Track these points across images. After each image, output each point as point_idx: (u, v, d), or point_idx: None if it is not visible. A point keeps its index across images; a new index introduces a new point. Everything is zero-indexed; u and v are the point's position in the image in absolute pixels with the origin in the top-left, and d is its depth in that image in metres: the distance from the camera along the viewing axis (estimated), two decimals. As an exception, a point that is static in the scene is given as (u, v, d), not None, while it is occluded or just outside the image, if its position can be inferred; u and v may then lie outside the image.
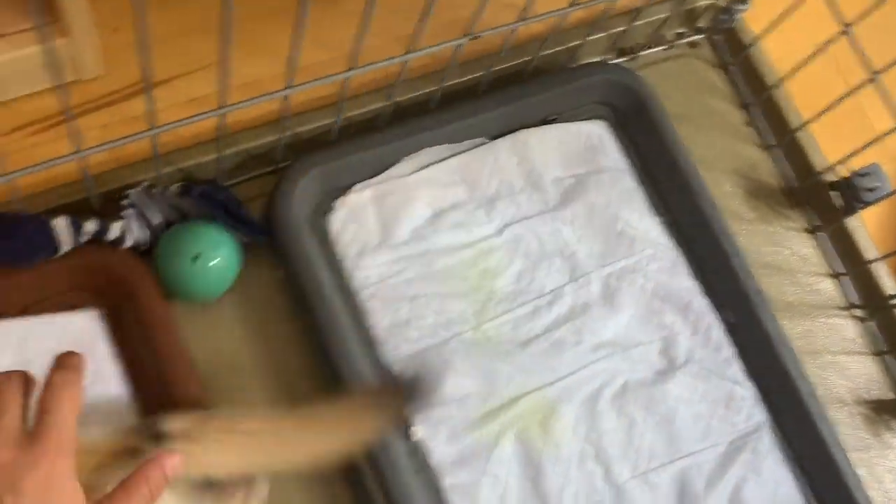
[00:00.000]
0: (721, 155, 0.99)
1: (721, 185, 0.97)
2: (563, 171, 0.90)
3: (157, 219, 0.73)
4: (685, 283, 0.88)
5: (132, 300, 0.72)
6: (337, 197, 0.82)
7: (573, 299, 0.85)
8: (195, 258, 0.72)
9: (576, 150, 0.91)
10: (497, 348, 0.82)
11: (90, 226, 0.69)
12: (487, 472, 0.77)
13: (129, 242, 0.72)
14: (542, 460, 0.79)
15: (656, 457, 0.82)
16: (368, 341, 0.79)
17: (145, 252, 0.75)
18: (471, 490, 0.76)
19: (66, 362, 0.53)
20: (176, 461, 0.55)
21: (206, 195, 0.74)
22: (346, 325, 0.77)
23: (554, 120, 0.92)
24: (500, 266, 0.85)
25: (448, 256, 0.84)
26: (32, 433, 0.49)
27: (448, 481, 0.76)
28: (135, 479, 0.52)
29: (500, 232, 0.86)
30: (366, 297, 0.80)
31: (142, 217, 0.72)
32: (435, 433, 0.77)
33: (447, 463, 0.77)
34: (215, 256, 0.73)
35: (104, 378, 0.71)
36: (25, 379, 0.52)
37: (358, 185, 0.83)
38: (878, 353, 0.96)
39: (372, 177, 0.83)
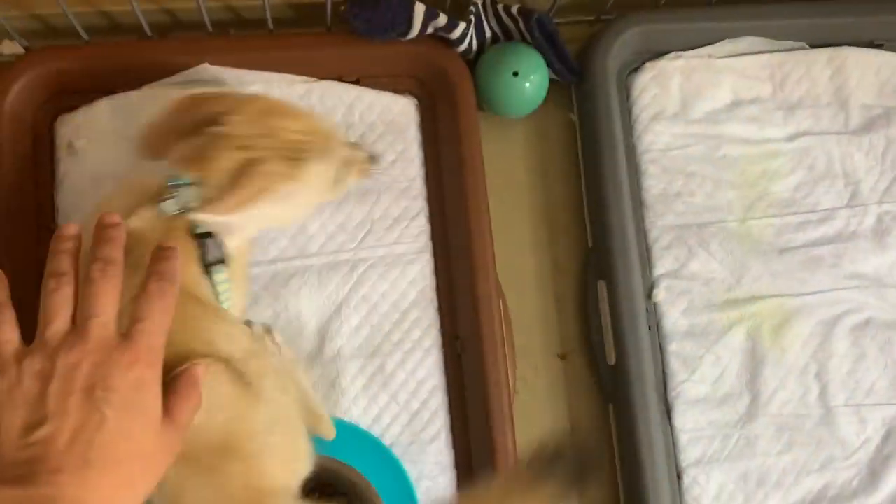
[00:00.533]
0: None
1: None
2: (874, 99, 0.88)
3: (487, 33, 0.79)
4: (963, 243, 0.86)
5: (449, 102, 0.80)
6: (649, 59, 0.85)
7: (844, 224, 0.85)
8: (514, 73, 0.78)
9: (892, 80, 0.88)
10: (755, 246, 0.84)
11: (441, 19, 0.76)
12: (712, 351, 0.81)
13: (462, 47, 0.78)
14: (766, 360, 0.82)
15: (876, 394, 0.83)
16: (638, 202, 0.84)
17: (469, 62, 0.81)
18: (692, 362, 0.81)
19: (162, 270, 0.50)
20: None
21: (540, 23, 0.79)
22: (622, 181, 0.82)
23: (880, 46, 0.89)
24: (780, 171, 0.86)
25: (735, 146, 0.85)
26: (125, 337, 0.48)
27: (673, 347, 0.81)
28: None
29: (791, 139, 0.86)
30: (648, 160, 0.84)
31: (477, 28, 0.78)
32: (674, 301, 0.82)
33: (678, 331, 0.81)
34: (531, 78, 0.79)
35: (407, 159, 0.80)
36: (118, 278, 0.49)
37: (671, 54, 0.85)
38: None
39: (687, 49, 0.85)
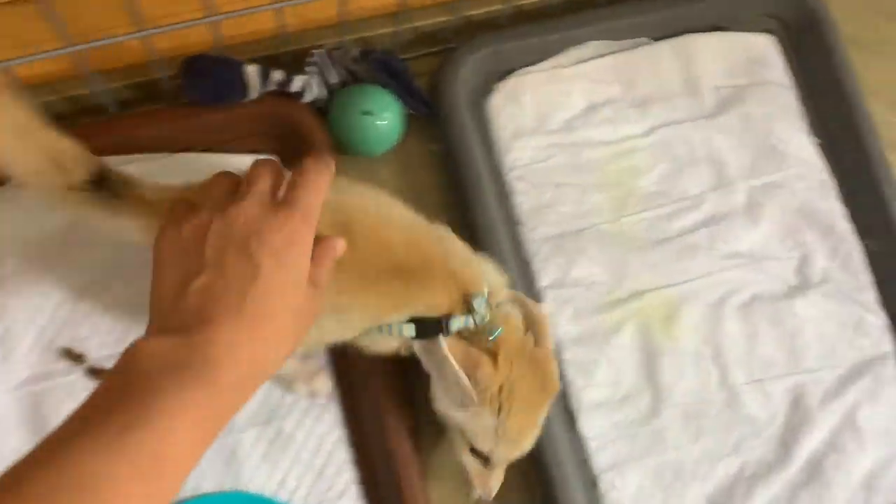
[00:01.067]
0: (891, 85, 0.95)
1: (885, 115, 0.94)
2: (724, 80, 0.90)
3: (334, 79, 0.80)
4: (831, 206, 0.88)
5: (306, 153, 0.79)
6: (499, 80, 0.87)
7: (714, 206, 0.87)
8: (365, 113, 0.79)
9: (740, 60, 0.90)
10: (631, 243, 0.85)
11: (277, 75, 0.76)
12: (605, 353, 0.82)
13: (308, 97, 0.79)
14: (660, 353, 0.82)
15: (774, 367, 0.84)
16: (510, 219, 0.84)
17: (320, 110, 0.82)
18: (588, 367, 0.81)
19: (317, 156, 0.54)
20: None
21: (384, 62, 0.80)
22: (489, 203, 0.82)
23: (725, 29, 0.91)
24: (643, 166, 0.87)
25: (595, 150, 0.87)
26: (282, 200, 0.51)
27: (567, 355, 0.81)
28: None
29: (648, 133, 0.88)
30: (514, 177, 0.85)
31: (322, 76, 0.79)
32: (561, 310, 0.82)
33: (569, 339, 0.82)
34: (384, 116, 0.80)
35: None
36: (279, 165, 0.54)
37: (519, 71, 0.87)
38: None
39: (534, 64, 0.87)
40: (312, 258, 0.51)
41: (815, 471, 0.82)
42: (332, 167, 0.53)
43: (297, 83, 0.77)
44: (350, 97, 0.80)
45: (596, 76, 0.88)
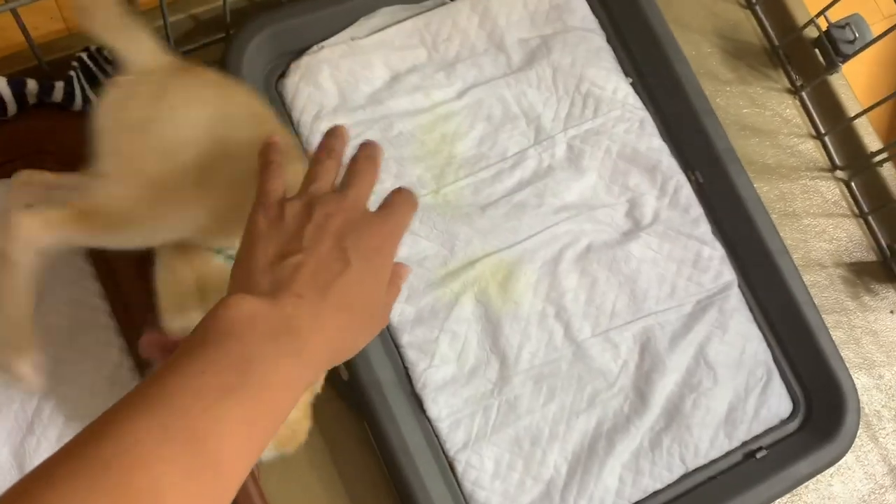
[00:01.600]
0: (699, 14, 0.95)
1: (699, 45, 0.94)
2: (528, 32, 0.87)
3: (106, 79, 0.73)
4: (653, 144, 0.86)
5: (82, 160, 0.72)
6: (291, 61, 0.81)
7: (537, 162, 0.84)
8: None
9: (541, 9, 0.88)
10: (457, 212, 0.82)
11: (31, 85, 0.69)
12: (446, 329, 0.78)
13: (77, 103, 0.72)
14: (502, 319, 0.79)
15: (618, 316, 0.81)
16: (326, 205, 0.79)
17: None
18: (428, 346, 0.77)
19: (405, 204, 0.56)
20: None
21: None
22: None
23: (522, -20, 0.89)
24: (459, 130, 0.84)
25: (406, 121, 0.83)
26: (380, 208, 0.55)
27: (405, 339, 0.77)
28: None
29: (460, 95, 0.84)
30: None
31: (88, 79, 0.72)
32: (393, 293, 0.78)
33: (406, 321, 0.77)
34: None
35: None
36: (377, 168, 0.57)
37: (313, 48, 0.82)
38: (859, 215, 0.94)
39: (326, 39, 0.82)
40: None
41: (673, 414, 0.80)
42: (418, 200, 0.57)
43: (59, 90, 0.70)
44: None
45: (397, 43, 0.84)
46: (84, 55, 0.73)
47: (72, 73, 0.71)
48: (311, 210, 0.51)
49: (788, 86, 0.95)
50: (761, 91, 0.95)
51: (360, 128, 0.81)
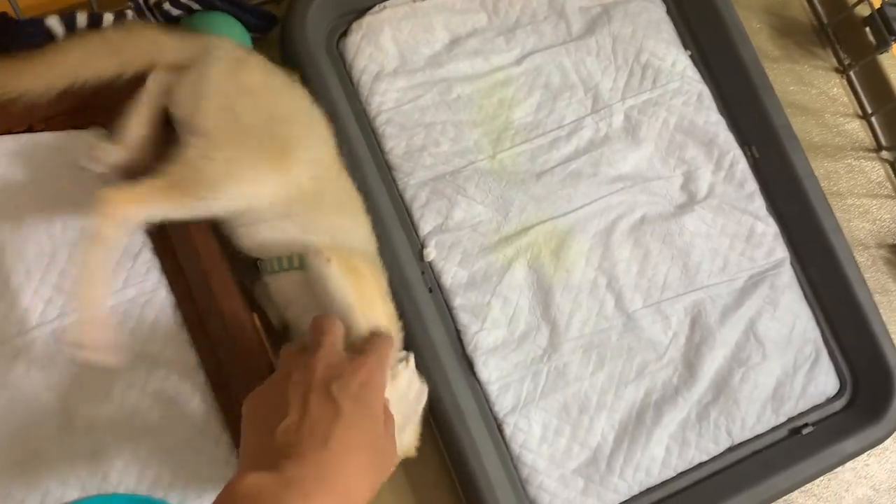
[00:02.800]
0: (758, -10, 0.94)
1: (748, 21, 0.92)
2: (589, 0, 0.87)
3: (159, 16, 0.73)
4: (711, 118, 0.86)
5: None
6: (353, 20, 0.81)
7: (593, 131, 0.84)
8: None
9: (603, -22, 0.87)
10: (512, 177, 0.82)
11: (81, 18, 0.69)
12: (498, 293, 0.78)
13: None
14: (553, 286, 0.79)
15: (670, 288, 0.81)
16: (383, 166, 0.80)
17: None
18: (480, 310, 0.77)
19: (382, 341, 0.60)
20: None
21: None
22: (358, 151, 0.77)
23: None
24: (517, 96, 0.84)
25: (465, 85, 0.82)
26: (358, 350, 0.57)
27: (458, 301, 0.77)
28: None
29: (519, 61, 0.84)
30: (382, 122, 0.80)
31: (143, 13, 0.72)
32: (447, 256, 0.78)
33: (458, 284, 0.78)
34: None
35: None
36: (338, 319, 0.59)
37: (375, 8, 0.82)
38: None
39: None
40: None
41: (721, 387, 0.80)
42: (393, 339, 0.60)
43: (109, 20, 0.70)
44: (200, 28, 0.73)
45: (458, 6, 0.84)
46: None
47: (127, 10, 0.71)
48: (290, 373, 0.53)
49: (836, 64, 0.94)
50: (808, 69, 0.94)
51: (418, 90, 0.81)
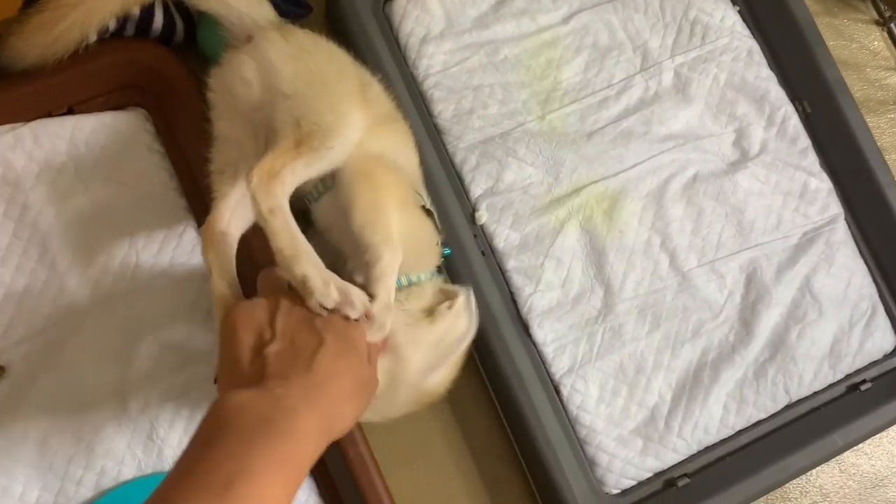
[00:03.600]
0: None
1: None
2: (635, -43, 0.85)
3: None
4: (761, 73, 0.84)
5: (172, 96, 0.72)
6: (399, -17, 0.81)
7: (643, 90, 0.83)
8: None
9: (649, -66, 0.86)
10: (562, 139, 0.81)
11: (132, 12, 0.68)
12: (551, 255, 0.78)
13: (179, 36, 0.71)
14: (606, 247, 0.79)
15: (724, 246, 0.81)
16: (433, 130, 0.79)
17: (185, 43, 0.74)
18: (534, 272, 0.77)
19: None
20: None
21: None
22: (410, 115, 0.76)
23: None
24: (565, 56, 0.83)
25: (512, 46, 0.81)
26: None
27: (511, 264, 0.77)
28: None
29: (566, 20, 0.83)
30: (429, 85, 0.79)
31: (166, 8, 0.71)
32: (499, 219, 0.78)
33: (511, 247, 0.77)
34: None
35: (152, 172, 0.71)
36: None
37: (420, -30, 0.81)
38: None
39: (434, -39, 0.81)
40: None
41: (778, 345, 0.79)
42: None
43: (158, 22, 0.69)
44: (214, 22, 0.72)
45: (502, -33, 0.83)
46: None
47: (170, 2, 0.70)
48: (278, 302, 0.54)
49: (876, 17, 0.93)
50: (848, 23, 0.92)
51: (466, 52, 0.80)
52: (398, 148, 0.65)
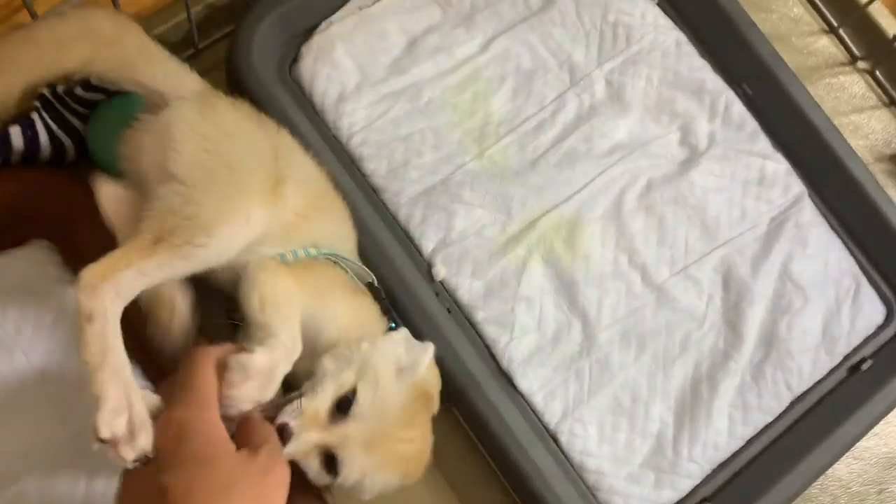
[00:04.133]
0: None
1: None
2: (540, -30, 0.81)
3: (72, 118, 0.66)
4: (694, 64, 0.81)
5: (74, 217, 0.65)
6: (301, 44, 0.75)
7: (577, 106, 0.79)
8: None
9: (550, -57, 0.82)
10: (506, 172, 0.76)
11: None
12: (519, 297, 0.73)
13: (44, 152, 0.65)
14: (574, 276, 0.74)
15: (693, 250, 0.77)
16: (369, 190, 0.74)
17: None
18: (505, 318, 0.72)
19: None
20: None
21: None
22: (342, 179, 0.70)
23: (520, -85, 0.82)
24: (490, 86, 0.78)
25: (433, 86, 0.77)
26: None
27: (480, 315, 0.72)
28: None
29: (484, 49, 0.79)
30: (356, 144, 0.74)
31: (57, 117, 0.65)
32: (458, 270, 0.73)
33: (477, 297, 0.72)
34: None
35: (71, 310, 0.61)
36: None
37: (321, 26, 0.76)
38: (889, 104, 0.89)
39: (333, 14, 0.76)
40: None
41: (770, 341, 0.76)
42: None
43: (18, 139, 0.63)
44: (104, 118, 0.66)
45: (408, 4, 0.78)
46: (47, 92, 0.66)
47: (34, 114, 0.64)
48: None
49: (792, -17, 0.90)
50: (765, -8, 0.90)
51: (387, 102, 0.76)
52: (335, 232, 0.60)
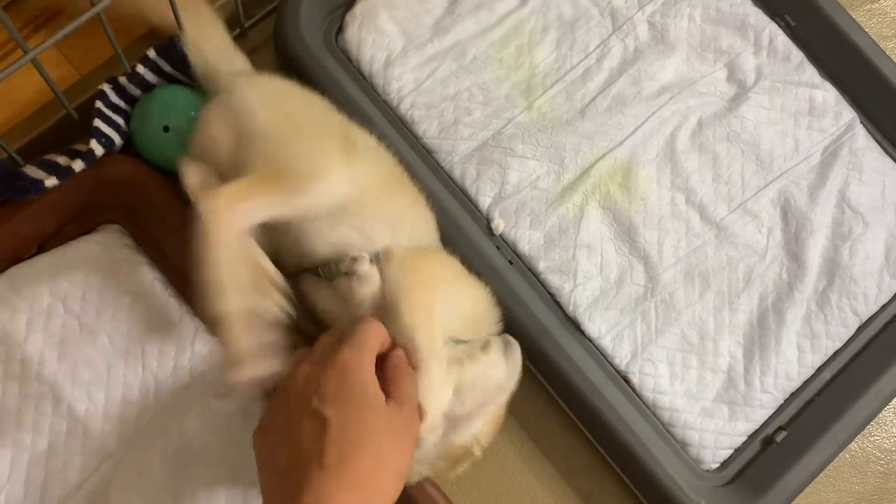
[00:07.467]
0: None
1: None
2: (573, -82, 0.81)
3: (120, 115, 0.67)
4: (735, -1, 0.81)
5: (143, 201, 0.67)
6: (345, 13, 0.76)
7: (622, 50, 0.79)
8: (165, 129, 0.67)
9: None
10: (556, 122, 0.77)
11: (61, 160, 0.63)
12: (580, 244, 0.74)
13: (99, 149, 0.65)
14: (633, 220, 0.75)
15: (750, 185, 0.77)
16: (423, 152, 0.75)
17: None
18: (568, 266, 0.73)
19: (361, 327, 0.53)
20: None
21: (163, 51, 0.67)
22: (396, 143, 0.71)
23: None
24: (534, 38, 0.78)
25: (478, 43, 0.77)
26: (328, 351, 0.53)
27: (542, 265, 0.73)
28: None
29: (524, 2, 0.79)
30: (406, 107, 0.75)
31: (106, 113, 0.66)
32: (516, 222, 0.74)
33: (537, 247, 0.73)
34: (183, 124, 0.66)
35: (144, 290, 0.66)
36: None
37: (362, -7, 0.76)
38: None
39: (374, -20, 0.77)
40: (386, 378, 0.51)
41: (833, 269, 0.76)
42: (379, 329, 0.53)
43: (97, 148, 0.64)
44: (146, 112, 0.67)
45: (444, -36, 0.78)
46: (107, 87, 0.67)
47: (96, 121, 0.65)
48: (279, 399, 0.51)
49: None
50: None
51: (434, 62, 0.76)
52: (413, 217, 0.63)
